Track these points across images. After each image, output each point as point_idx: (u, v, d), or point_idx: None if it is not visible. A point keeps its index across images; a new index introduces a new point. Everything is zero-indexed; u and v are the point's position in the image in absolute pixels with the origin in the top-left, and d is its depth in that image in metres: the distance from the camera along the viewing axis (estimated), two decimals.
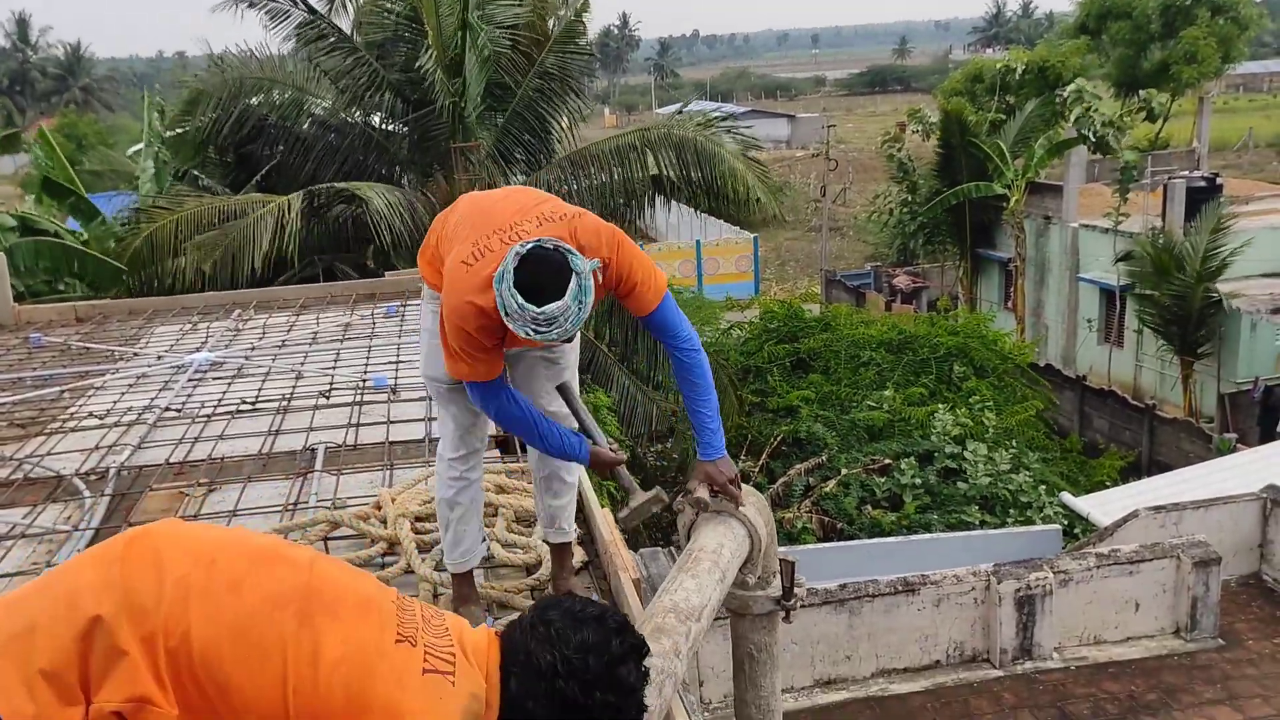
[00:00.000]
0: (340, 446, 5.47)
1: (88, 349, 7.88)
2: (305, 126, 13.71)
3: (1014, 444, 14.31)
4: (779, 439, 14.41)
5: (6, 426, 6.22)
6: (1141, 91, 30.94)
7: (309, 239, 10.77)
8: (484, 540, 3.75)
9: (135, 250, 10.70)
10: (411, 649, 1.93)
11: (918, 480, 13.28)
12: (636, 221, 13.86)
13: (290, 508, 4.66)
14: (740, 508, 2.97)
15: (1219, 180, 24.28)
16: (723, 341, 17.51)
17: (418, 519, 3.95)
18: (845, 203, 46.99)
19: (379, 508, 4.10)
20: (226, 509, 4.71)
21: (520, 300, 2.65)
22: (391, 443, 5.50)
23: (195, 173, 13.69)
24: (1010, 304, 27.21)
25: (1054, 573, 7.28)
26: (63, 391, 6.81)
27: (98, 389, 6.86)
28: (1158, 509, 8.21)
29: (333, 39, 12.97)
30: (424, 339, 3.38)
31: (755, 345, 16.87)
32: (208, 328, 8.34)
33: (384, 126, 13.89)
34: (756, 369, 16.28)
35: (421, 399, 6.18)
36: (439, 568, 3.69)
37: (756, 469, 13.80)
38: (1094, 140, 26.34)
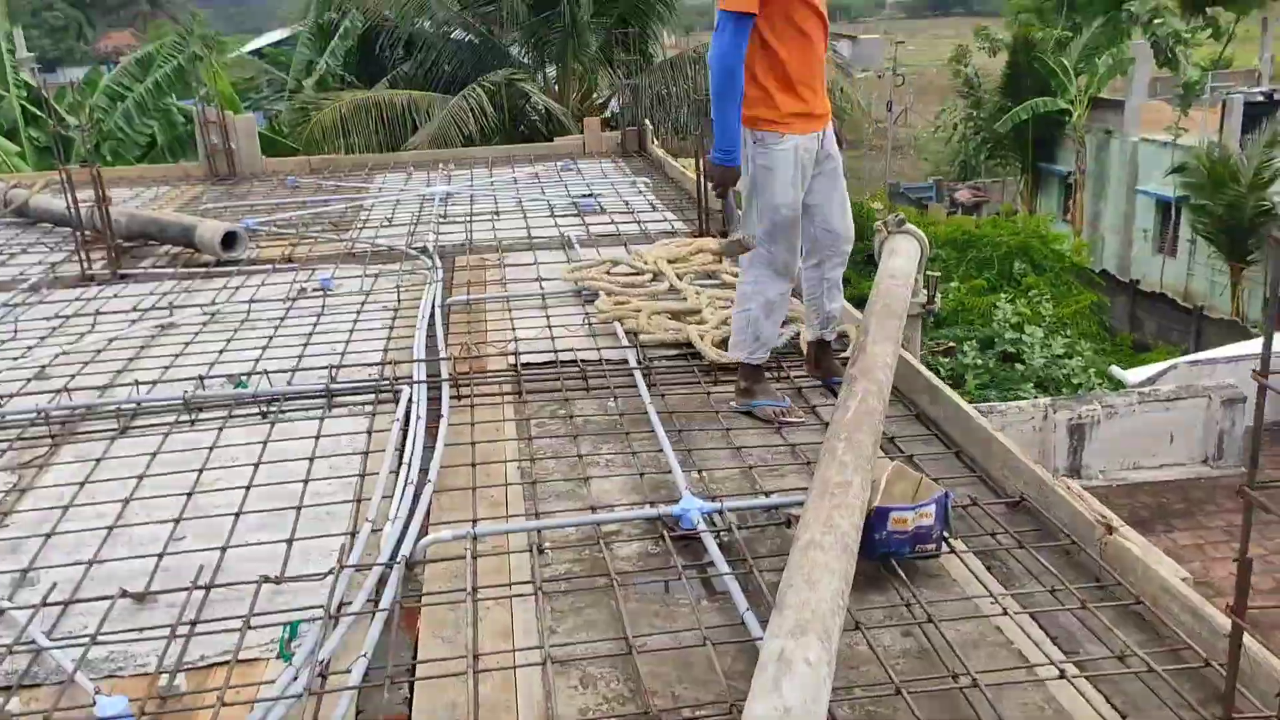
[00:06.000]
0: (585, 235, 7.21)
1: (338, 187, 9.64)
2: (425, 26, 14.98)
3: (1068, 333, 15.49)
4: None
5: (328, 224, 8.06)
6: (1208, 10, 31.19)
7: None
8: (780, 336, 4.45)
9: (307, 136, 12.31)
10: None
11: (979, 362, 14.52)
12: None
13: (573, 263, 6.26)
14: None
15: (1277, 96, 24.82)
16: None
17: (669, 260, 5.60)
18: (906, 123, 47.45)
19: (639, 257, 5.73)
20: (526, 263, 6.42)
21: None
22: (620, 234, 7.20)
23: (339, 70, 15.05)
24: (1069, 216, 28.03)
25: (1101, 406, 8.58)
26: (347, 208, 8.63)
27: (369, 208, 8.66)
28: (1194, 361, 9.46)
29: None
30: (772, 178, 3.81)
31: None
32: (425, 175, 10.06)
33: (493, 31, 15.11)
34: None
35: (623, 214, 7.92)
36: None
37: None
38: (1167, 53, 26.79)
